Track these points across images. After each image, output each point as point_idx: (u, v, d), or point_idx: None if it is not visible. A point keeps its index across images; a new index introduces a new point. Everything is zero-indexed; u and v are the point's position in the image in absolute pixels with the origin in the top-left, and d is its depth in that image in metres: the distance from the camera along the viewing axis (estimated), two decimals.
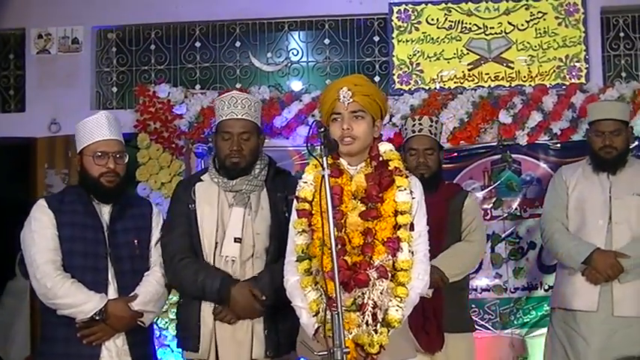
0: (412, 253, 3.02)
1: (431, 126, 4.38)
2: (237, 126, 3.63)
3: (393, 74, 5.81)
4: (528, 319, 5.43)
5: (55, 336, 3.56)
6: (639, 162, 4.65)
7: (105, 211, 3.65)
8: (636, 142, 5.40)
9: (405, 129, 4.47)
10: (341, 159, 3.06)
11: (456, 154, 5.45)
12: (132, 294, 3.58)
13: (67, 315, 3.48)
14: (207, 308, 3.60)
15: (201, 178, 3.79)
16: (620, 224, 4.35)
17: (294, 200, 3.13)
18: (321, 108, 3.15)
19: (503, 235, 5.42)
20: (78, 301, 3.46)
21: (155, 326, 5.39)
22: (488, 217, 5.45)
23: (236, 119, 3.63)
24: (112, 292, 3.56)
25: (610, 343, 4.24)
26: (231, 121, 3.64)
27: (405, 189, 3.03)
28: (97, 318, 3.46)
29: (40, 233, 3.54)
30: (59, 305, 3.48)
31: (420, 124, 4.38)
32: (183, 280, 3.61)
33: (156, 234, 3.78)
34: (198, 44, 6.11)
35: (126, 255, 3.63)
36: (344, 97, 3.00)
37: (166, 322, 5.42)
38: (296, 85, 6.08)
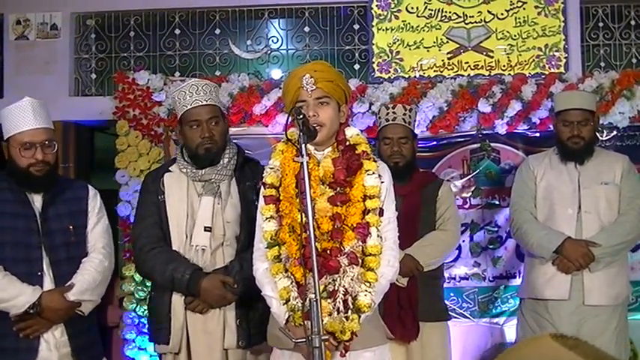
0: (381, 238, 3.00)
1: (404, 114, 4.38)
2: (205, 112, 3.61)
3: (373, 62, 5.78)
4: (507, 308, 5.43)
5: None
6: (605, 152, 4.68)
7: (37, 199, 3.54)
8: (614, 132, 5.43)
9: (379, 118, 4.47)
10: (308, 144, 3.03)
11: (435, 142, 5.45)
12: (68, 283, 3.48)
13: (0, 310, 3.38)
14: (178, 299, 3.58)
15: (170, 169, 3.75)
16: (589, 213, 4.38)
17: (262, 187, 3.11)
18: (285, 97, 3.12)
19: (482, 224, 5.43)
20: (10, 295, 3.36)
21: (134, 314, 5.42)
22: (467, 206, 5.46)
23: (202, 106, 3.61)
24: (48, 282, 3.47)
25: (579, 333, 4.25)
26: (197, 109, 3.61)
27: (374, 173, 3.01)
28: (32, 311, 3.36)
29: None
30: None
31: (394, 112, 4.38)
32: (153, 270, 3.58)
33: (93, 218, 3.67)
34: (177, 31, 6.06)
35: (60, 242, 3.53)
36: (307, 83, 2.98)
37: (145, 310, 5.40)
38: (276, 73, 6.04)
